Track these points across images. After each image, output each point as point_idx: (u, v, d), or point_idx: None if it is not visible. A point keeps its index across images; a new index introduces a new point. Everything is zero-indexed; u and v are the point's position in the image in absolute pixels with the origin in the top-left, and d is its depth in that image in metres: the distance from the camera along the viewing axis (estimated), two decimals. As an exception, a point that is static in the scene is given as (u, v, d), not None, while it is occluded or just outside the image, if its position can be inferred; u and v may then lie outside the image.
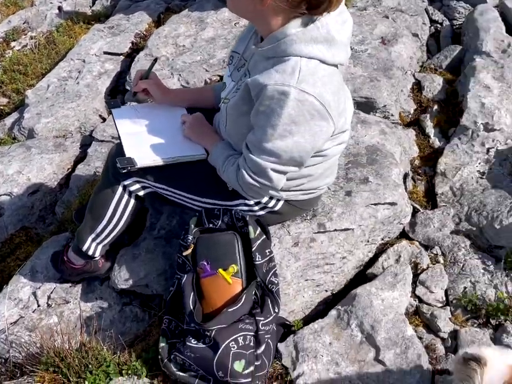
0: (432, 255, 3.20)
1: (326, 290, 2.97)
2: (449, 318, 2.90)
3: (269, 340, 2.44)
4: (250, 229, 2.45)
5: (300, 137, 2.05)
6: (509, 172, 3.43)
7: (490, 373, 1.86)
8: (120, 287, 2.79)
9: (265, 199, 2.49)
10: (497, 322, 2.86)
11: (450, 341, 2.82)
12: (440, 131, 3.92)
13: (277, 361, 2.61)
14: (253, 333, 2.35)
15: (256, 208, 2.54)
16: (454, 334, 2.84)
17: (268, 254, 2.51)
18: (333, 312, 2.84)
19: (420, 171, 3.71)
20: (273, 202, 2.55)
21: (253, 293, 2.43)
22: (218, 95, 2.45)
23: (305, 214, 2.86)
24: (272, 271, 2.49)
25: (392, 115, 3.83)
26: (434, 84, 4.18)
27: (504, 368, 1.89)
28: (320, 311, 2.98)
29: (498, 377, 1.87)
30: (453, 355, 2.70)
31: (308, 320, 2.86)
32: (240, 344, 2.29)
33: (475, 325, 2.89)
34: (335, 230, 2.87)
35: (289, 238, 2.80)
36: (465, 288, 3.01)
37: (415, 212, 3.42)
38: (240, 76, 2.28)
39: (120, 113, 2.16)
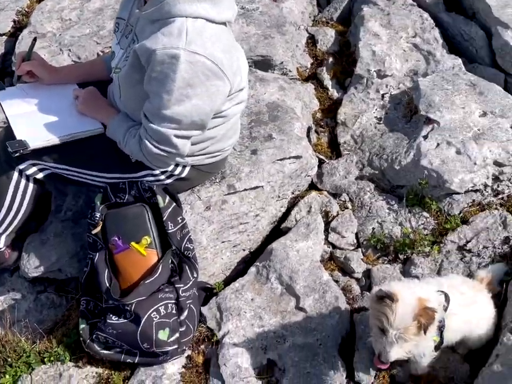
0: (341, 202, 3.35)
1: (244, 250, 3.04)
2: (362, 259, 3.08)
3: (191, 305, 2.48)
4: (159, 198, 2.45)
5: (197, 99, 2.05)
6: (404, 115, 3.63)
7: (401, 307, 2.04)
8: (32, 275, 2.66)
9: (171, 167, 2.49)
10: (405, 257, 3.06)
11: (364, 280, 3.00)
12: (337, 82, 4.05)
13: (202, 325, 2.67)
14: (174, 301, 2.37)
15: (162, 177, 2.53)
16: (367, 273, 3.03)
17: (180, 221, 2.53)
18: (252, 269, 2.93)
19: (322, 123, 3.83)
20: (179, 169, 2.55)
21: (170, 261, 2.45)
22: (110, 66, 2.39)
23: (213, 177, 2.90)
24: (187, 238, 2.51)
25: (290, 71, 3.89)
26: (327, 37, 4.29)
27: (414, 301, 2.08)
28: (240, 270, 3.07)
29: (409, 310, 2.04)
30: (368, 293, 2.88)
31: (229, 280, 2.93)
32: (162, 314, 2.31)
33: (385, 262, 3.09)
34: (245, 189, 2.93)
35: (200, 203, 2.82)
36: (373, 229, 3.20)
37: (321, 163, 3.56)
38: (129, 42, 2.22)
39: (6, 95, 2.05)
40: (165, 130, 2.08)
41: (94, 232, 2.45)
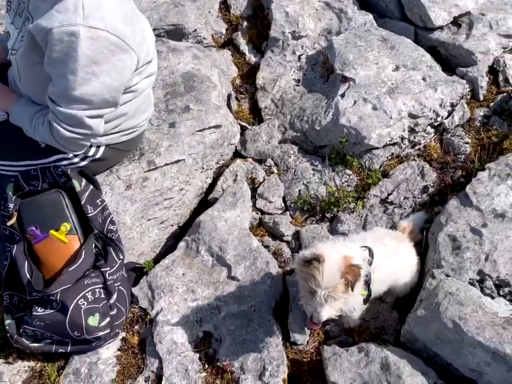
0: (266, 167, 3.39)
1: (172, 225, 3.03)
2: (290, 222, 3.14)
3: (120, 287, 2.47)
4: (75, 182, 2.39)
5: (105, 76, 1.99)
6: (321, 75, 3.67)
7: (328, 267, 2.10)
8: None
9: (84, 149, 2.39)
10: (331, 215, 3.16)
11: (294, 242, 3.07)
12: (254, 47, 4.03)
13: (134, 305, 2.66)
14: (101, 285, 2.35)
15: (76, 160, 2.46)
16: (296, 235, 3.10)
17: (99, 203, 2.48)
18: (182, 244, 2.93)
19: (242, 89, 3.82)
20: (93, 150, 2.48)
21: (93, 246, 2.41)
22: (7, 47, 2.27)
23: (132, 155, 2.85)
24: (109, 220, 2.47)
25: (204, 38, 3.84)
26: (240, 1, 4.23)
27: (340, 260, 2.13)
28: (170, 246, 3.06)
29: (336, 269, 2.10)
30: (298, 254, 2.93)
31: (160, 258, 2.94)
32: (90, 299, 2.29)
33: (313, 222, 3.17)
34: (166, 164, 2.90)
35: (121, 183, 2.78)
36: (299, 191, 3.26)
37: (243, 130, 3.57)
38: (23, 21, 2.11)
39: None
40: (75, 112, 2.01)
41: (9, 224, 2.37)
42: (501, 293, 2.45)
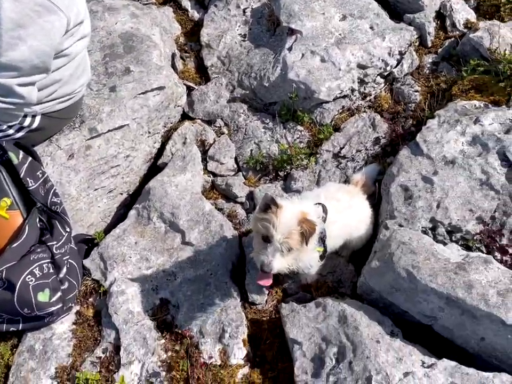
0: (216, 128, 3.34)
1: (121, 193, 2.98)
2: (243, 183, 3.13)
3: (70, 261, 2.43)
4: (11, 155, 2.30)
5: (32, 40, 1.90)
6: (267, 29, 3.60)
7: (286, 213, 2.13)
8: None
9: (18, 119, 2.30)
10: (284, 173, 3.15)
11: (248, 203, 3.06)
12: (197, 2, 3.92)
13: (87, 278, 2.63)
14: (49, 260, 2.31)
15: (11, 131, 2.36)
16: (250, 196, 3.09)
17: (40, 176, 2.41)
18: (132, 212, 2.89)
19: (187, 48, 3.72)
20: (28, 120, 2.39)
21: (37, 220, 2.35)
22: None
23: (72, 123, 2.75)
24: (52, 192, 2.41)
25: (143, -5, 3.68)
26: (178, -47, 4.07)
27: (297, 212, 2.16)
28: (121, 215, 3.01)
29: (293, 217, 2.13)
30: (252, 214, 2.94)
31: (111, 228, 2.88)
32: (38, 275, 2.24)
33: (267, 182, 3.17)
34: (109, 130, 2.83)
35: (62, 152, 2.70)
36: (251, 150, 3.24)
37: (190, 90, 3.48)
38: None
39: None
40: (4, 81, 1.93)
41: None
42: (453, 238, 2.51)
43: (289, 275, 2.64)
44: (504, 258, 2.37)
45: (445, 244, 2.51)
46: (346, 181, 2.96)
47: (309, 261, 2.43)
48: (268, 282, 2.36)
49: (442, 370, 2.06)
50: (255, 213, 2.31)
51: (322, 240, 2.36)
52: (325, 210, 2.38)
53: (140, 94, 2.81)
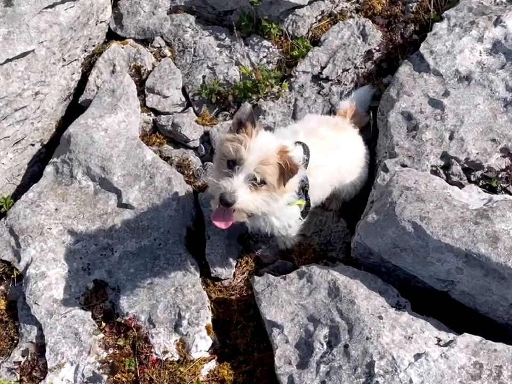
0: (155, 49, 3.26)
1: (32, 144, 2.92)
2: (196, 121, 3.08)
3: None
4: None
5: None
6: None
7: (263, 139, 2.14)
8: None
9: None
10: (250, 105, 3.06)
11: (203, 148, 3.01)
12: None
13: (-7, 259, 2.56)
14: None
15: None
16: (206, 138, 3.06)
17: None
18: (49, 169, 2.83)
19: None
20: None
21: None
22: None
23: (-46, 53, 2.62)
24: None
25: None
26: None
27: (277, 144, 2.18)
28: (36, 174, 2.95)
29: (272, 146, 2.14)
30: (210, 163, 2.90)
31: (22, 191, 2.83)
32: None
33: (227, 118, 3.12)
34: (8, 60, 2.71)
35: None
36: (203, 77, 3.18)
37: (116, 0, 3.36)
38: None
39: None
40: None
41: None
42: (472, 178, 2.53)
43: (261, 238, 2.69)
44: (538, 200, 2.38)
45: (461, 186, 2.51)
46: (332, 111, 2.95)
47: (286, 218, 2.42)
48: (226, 222, 2.26)
49: (464, 348, 2.07)
50: (224, 134, 2.30)
51: (303, 190, 2.35)
52: (306, 151, 2.35)
53: (46, 8, 2.70)
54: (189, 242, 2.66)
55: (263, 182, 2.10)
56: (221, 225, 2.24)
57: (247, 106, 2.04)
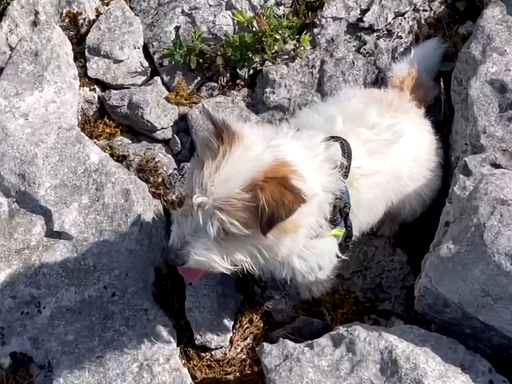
0: (99, -13, 3.28)
1: None
2: (166, 99, 3.14)
3: None
4: None
5: None
6: None
7: (240, 154, 2.09)
8: None
9: None
10: (251, 72, 3.16)
11: (179, 141, 3.06)
12: None
13: None
14: None
15: None
16: (184, 125, 3.10)
17: None
18: None
19: None
20: None
21: None
22: None
23: None
24: None
25: None
26: None
27: (268, 153, 2.12)
28: None
29: (253, 162, 2.09)
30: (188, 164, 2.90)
31: None
32: None
33: (215, 92, 3.18)
34: None
35: None
36: (177, 29, 3.23)
37: None
38: None
39: None
40: None
41: None
42: None
43: (273, 283, 2.70)
44: None
45: None
46: (379, 80, 2.97)
47: (316, 257, 2.40)
48: (194, 276, 2.34)
49: None
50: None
51: (341, 213, 2.33)
52: (346, 151, 2.33)
53: None
54: (159, 292, 2.67)
55: (231, 233, 2.07)
56: (188, 277, 2.35)
57: (216, 117, 2.00)
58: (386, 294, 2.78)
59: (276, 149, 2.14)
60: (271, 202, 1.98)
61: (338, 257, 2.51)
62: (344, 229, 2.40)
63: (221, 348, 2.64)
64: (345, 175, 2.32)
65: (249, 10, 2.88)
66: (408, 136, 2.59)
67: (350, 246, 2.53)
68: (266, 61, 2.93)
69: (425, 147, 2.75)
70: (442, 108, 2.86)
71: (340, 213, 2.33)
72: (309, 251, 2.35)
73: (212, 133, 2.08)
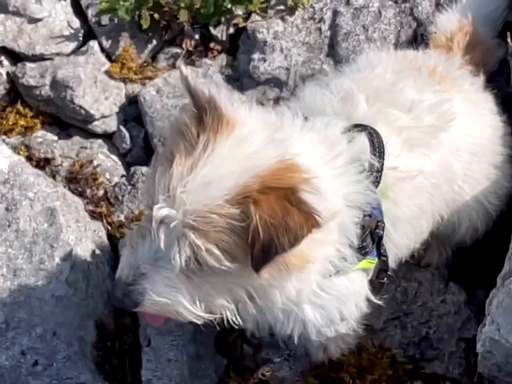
0: None
1: None
2: (106, 73, 2.91)
3: None
4: None
5: None
6: None
7: (230, 149, 1.89)
8: None
9: None
10: (229, 31, 2.92)
11: (127, 135, 2.83)
12: None
13: None
14: None
15: None
16: (134, 111, 2.88)
17: None
18: None
19: None
20: None
21: None
22: None
23: None
24: None
25: None
26: None
27: (269, 150, 1.89)
28: None
29: (249, 161, 1.88)
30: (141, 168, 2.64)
31: None
32: None
33: (177, 62, 2.93)
34: None
35: None
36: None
37: None
38: None
39: None
40: None
41: None
42: None
43: (269, 339, 2.49)
44: None
45: None
46: (418, 37, 2.79)
47: (338, 304, 2.20)
48: (157, 317, 2.20)
49: None
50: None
51: (373, 237, 2.15)
52: (376, 146, 2.16)
53: None
54: (102, 357, 2.50)
55: (210, 265, 1.87)
56: (149, 318, 2.22)
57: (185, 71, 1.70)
58: (436, 351, 2.59)
59: (283, 145, 1.94)
60: (269, 224, 1.78)
61: (369, 300, 2.32)
62: (376, 259, 2.22)
63: None
64: (377, 181, 2.14)
65: None
66: (462, 119, 2.43)
67: (386, 282, 2.33)
68: (253, 14, 2.73)
69: (487, 134, 2.58)
70: (511, 75, 2.58)
71: (371, 236, 2.15)
72: (327, 294, 2.14)
73: (190, 112, 1.88)
